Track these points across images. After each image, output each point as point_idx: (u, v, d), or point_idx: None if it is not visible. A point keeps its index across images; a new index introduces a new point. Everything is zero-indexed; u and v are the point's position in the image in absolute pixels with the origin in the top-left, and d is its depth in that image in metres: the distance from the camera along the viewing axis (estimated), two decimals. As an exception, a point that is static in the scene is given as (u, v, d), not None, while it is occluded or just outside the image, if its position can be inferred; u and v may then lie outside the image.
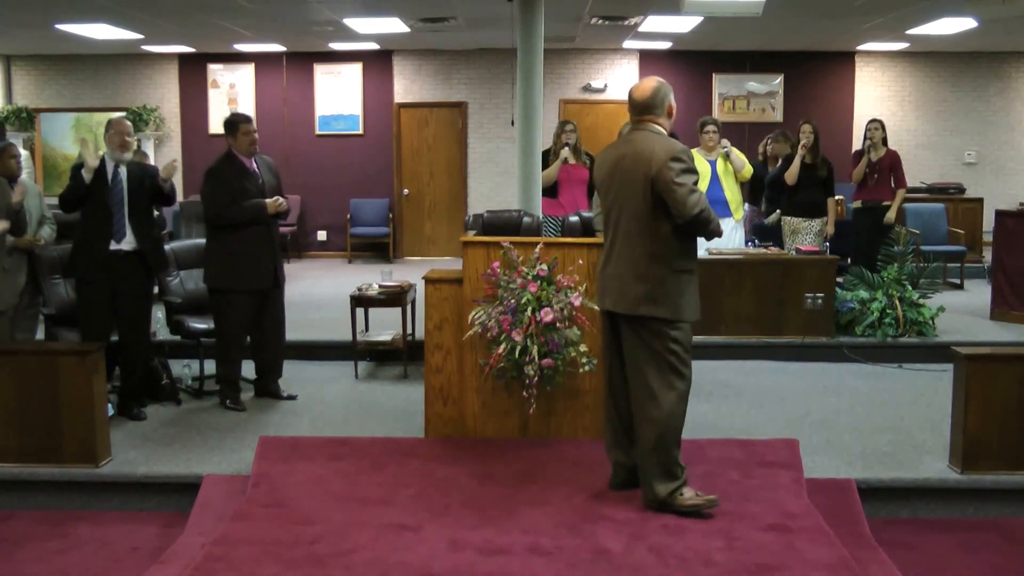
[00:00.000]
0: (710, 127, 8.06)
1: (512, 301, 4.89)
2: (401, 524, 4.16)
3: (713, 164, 7.93)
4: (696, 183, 4.17)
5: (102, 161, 5.61)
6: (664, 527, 4.11)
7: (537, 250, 4.97)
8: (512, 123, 9.07)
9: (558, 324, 4.86)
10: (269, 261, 5.96)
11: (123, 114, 6.20)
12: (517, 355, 4.84)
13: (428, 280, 5.24)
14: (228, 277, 5.86)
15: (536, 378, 4.84)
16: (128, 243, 5.61)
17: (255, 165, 5.98)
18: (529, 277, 4.91)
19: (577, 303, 4.89)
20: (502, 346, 4.87)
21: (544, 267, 4.93)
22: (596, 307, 4.98)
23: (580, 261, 5.04)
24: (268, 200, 5.88)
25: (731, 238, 7.94)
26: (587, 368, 4.93)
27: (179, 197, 11.67)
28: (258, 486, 4.57)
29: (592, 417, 5.18)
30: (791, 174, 8.19)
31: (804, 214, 8.23)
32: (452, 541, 3.99)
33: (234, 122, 5.94)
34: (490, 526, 4.13)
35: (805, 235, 8.17)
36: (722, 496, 4.40)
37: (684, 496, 4.24)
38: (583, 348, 4.93)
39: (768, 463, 4.80)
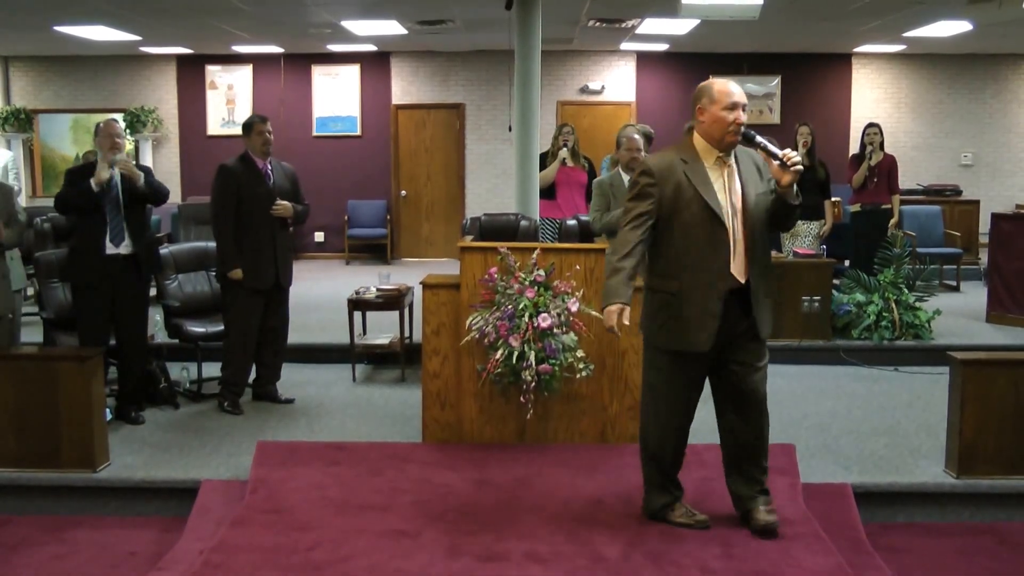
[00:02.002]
0: None
1: (509, 307, 4.90)
2: (399, 531, 4.17)
3: None
4: (630, 207, 3.96)
5: (95, 166, 5.58)
6: (661, 534, 4.12)
7: (534, 256, 4.98)
8: (510, 129, 9.08)
9: (555, 330, 4.87)
10: (270, 262, 5.97)
11: (113, 116, 6.13)
12: (514, 361, 4.85)
13: (426, 285, 5.25)
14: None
15: (533, 384, 4.85)
16: (126, 246, 5.60)
17: (269, 168, 6.00)
18: (526, 283, 4.92)
19: (574, 309, 4.90)
20: (499, 352, 4.88)
21: (541, 273, 4.94)
22: (593, 312, 5.01)
23: (577, 267, 5.05)
24: (237, 272, 5.88)
25: None
26: (584, 374, 4.94)
27: (177, 199, 11.70)
28: (256, 492, 4.57)
29: (589, 422, 5.19)
30: None
31: (803, 217, 8.25)
32: (450, 548, 4.00)
33: (250, 122, 6.02)
34: (487, 532, 4.14)
35: (804, 238, 8.20)
36: (719, 502, 4.41)
37: (674, 512, 4.24)
38: (580, 354, 4.93)
39: (764, 468, 4.81)
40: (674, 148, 4.04)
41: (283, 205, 5.97)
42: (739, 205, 3.92)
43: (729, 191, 3.92)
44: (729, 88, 3.91)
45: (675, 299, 3.95)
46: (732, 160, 3.98)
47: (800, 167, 3.79)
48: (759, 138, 3.88)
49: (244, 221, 5.90)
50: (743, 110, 3.87)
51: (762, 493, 4.18)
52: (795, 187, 3.84)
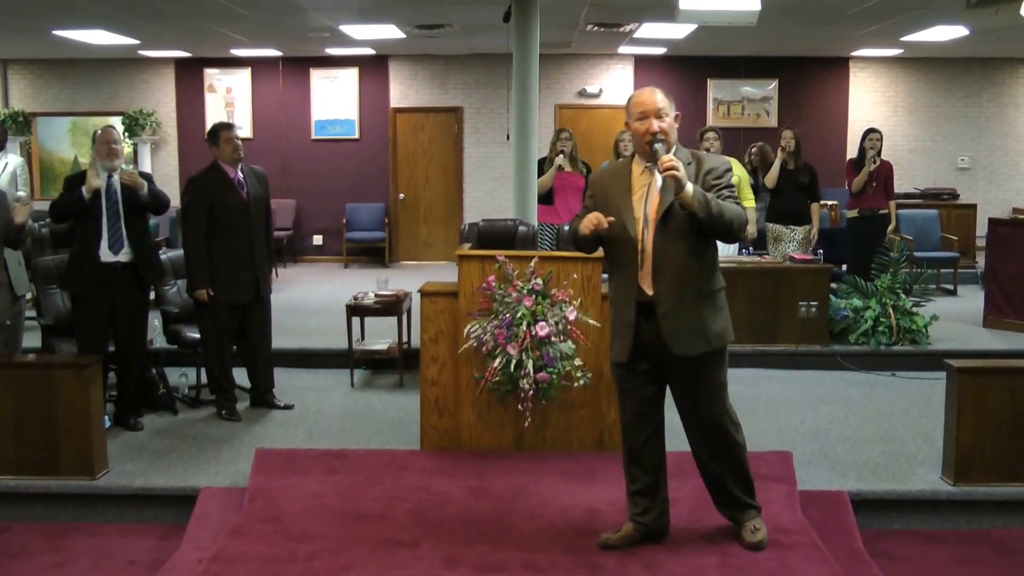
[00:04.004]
0: (710, 134, 8.07)
1: (507, 315, 4.90)
2: (397, 540, 4.18)
3: None
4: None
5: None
6: (658, 544, 4.12)
7: (532, 264, 4.98)
8: (508, 137, 9.09)
9: (553, 338, 4.87)
10: (249, 275, 5.92)
11: (111, 123, 6.11)
12: (512, 369, 4.86)
13: (424, 293, 5.25)
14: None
15: (531, 392, 4.85)
16: (125, 254, 5.60)
17: (240, 175, 5.95)
18: (524, 291, 4.92)
19: (572, 317, 4.91)
20: (497, 360, 4.88)
21: (539, 281, 4.95)
22: (591, 321, 5.02)
23: (575, 275, 5.05)
24: (202, 292, 5.82)
25: (730, 247, 7.97)
26: (582, 382, 4.95)
27: (176, 203, 11.69)
28: (254, 501, 4.58)
29: (587, 430, 5.20)
30: (770, 178, 8.23)
31: (787, 221, 8.25)
32: (447, 558, 4.01)
33: (215, 130, 5.93)
34: (485, 542, 4.15)
35: (788, 243, 8.19)
36: (715, 511, 4.42)
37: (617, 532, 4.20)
38: (578, 362, 4.94)
39: (762, 476, 4.79)
40: (623, 160, 4.07)
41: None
42: (652, 216, 3.80)
43: (647, 201, 3.83)
44: (640, 99, 3.83)
45: (611, 307, 4.05)
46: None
47: (673, 173, 3.60)
48: (655, 145, 3.73)
49: (219, 234, 5.82)
50: (657, 117, 3.76)
51: (745, 508, 4.13)
52: (693, 194, 3.64)
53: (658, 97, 3.80)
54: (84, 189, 5.46)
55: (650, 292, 3.82)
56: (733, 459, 4.07)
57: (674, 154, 3.77)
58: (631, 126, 3.84)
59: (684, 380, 3.94)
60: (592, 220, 3.77)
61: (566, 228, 7.43)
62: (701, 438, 4.06)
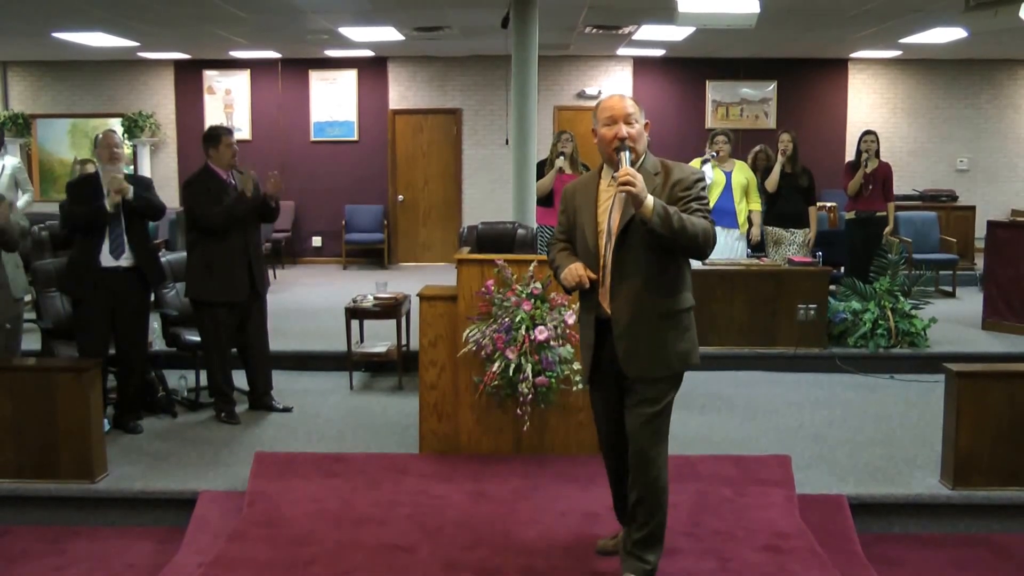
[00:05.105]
0: (720, 137, 8.06)
1: (506, 319, 4.90)
2: (396, 545, 4.18)
3: (728, 175, 7.94)
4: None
5: (97, 177, 5.61)
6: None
7: (531, 268, 4.99)
8: (507, 142, 9.09)
9: (552, 342, 4.88)
10: (244, 272, 5.93)
11: (111, 127, 6.11)
12: (511, 373, 4.86)
13: (423, 297, 5.26)
14: (205, 289, 5.86)
15: (530, 396, 4.85)
16: (127, 259, 5.61)
17: (232, 178, 5.97)
18: (523, 295, 4.92)
19: (571, 321, 4.90)
20: (496, 364, 4.88)
21: (538, 285, 4.95)
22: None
23: (574, 279, 5.05)
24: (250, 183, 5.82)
25: (734, 249, 7.98)
26: (580, 386, 4.95)
27: (175, 205, 11.68)
28: (253, 505, 4.58)
29: (586, 433, 5.19)
30: (771, 182, 8.23)
31: (786, 224, 8.25)
32: (446, 562, 4.02)
33: (216, 135, 5.92)
34: (484, 547, 4.16)
35: (788, 246, 8.20)
36: (715, 514, 4.43)
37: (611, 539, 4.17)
38: (576, 366, 4.94)
39: (761, 480, 4.83)
40: (594, 170, 3.86)
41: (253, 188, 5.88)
42: (615, 228, 3.60)
43: (611, 213, 3.63)
44: (609, 103, 3.65)
45: (579, 325, 3.90)
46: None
47: (628, 188, 3.38)
48: (621, 152, 3.53)
49: (215, 234, 5.83)
50: (626, 123, 3.58)
51: (631, 557, 3.72)
52: (652, 208, 3.39)
53: (627, 103, 3.62)
54: (108, 203, 5.47)
55: (608, 309, 3.64)
56: (648, 494, 3.67)
57: (642, 163, 3.62)
58: (598, 132, 3.63)
59: (630, 401, 3.69)
60: (575, 276, 3.59)
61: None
62: (631, 462, 3.72)
